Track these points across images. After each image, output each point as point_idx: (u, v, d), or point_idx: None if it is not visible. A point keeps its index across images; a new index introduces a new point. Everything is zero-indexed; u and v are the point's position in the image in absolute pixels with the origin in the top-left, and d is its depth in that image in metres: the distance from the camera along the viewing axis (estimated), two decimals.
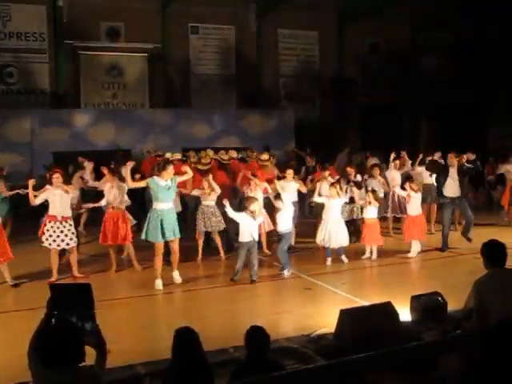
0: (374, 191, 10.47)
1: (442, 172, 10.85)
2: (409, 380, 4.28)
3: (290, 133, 19.14)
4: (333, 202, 9.69)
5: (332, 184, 9.98)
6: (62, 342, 3.23)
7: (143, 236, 8.49)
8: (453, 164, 10.58)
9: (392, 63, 21.32)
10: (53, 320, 3.46)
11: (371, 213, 10.14)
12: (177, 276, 8.69)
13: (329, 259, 9.68)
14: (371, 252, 10.08)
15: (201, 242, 10.26)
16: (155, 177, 8.53)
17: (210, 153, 11.90)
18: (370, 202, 10.08)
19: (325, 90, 21.53)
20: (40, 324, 3.52)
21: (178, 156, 12.73)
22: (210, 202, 10.10)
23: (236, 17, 20.32)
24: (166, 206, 8.40)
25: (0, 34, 18.00)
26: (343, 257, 9.75)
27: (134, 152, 16.77)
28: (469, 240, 10.35)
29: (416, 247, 10.17)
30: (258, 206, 8.81)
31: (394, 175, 12.13)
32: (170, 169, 8.48)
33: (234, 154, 12.24)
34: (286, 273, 9.02)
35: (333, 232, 9.63)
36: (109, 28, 18.96)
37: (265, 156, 11.68)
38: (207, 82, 20.35)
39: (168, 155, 12.70)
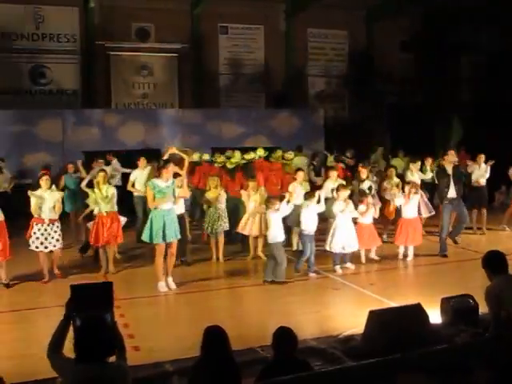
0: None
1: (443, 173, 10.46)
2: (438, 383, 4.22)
3: (318, 132, 19.04)
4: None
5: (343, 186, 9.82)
6: (93, 338, 3.30)
7: (144, 238, 8.40)
8: (450, 164, 10.29)
9: (422, 62, 21.06)
10: (72, 321, 3.49)
11: (409, 212, 9.99)
12: (171, 282, 8.48)
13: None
14: (406, 252, 9.97)
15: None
16: (154, 179, 8.49)
17: (238, 153, 11.92)
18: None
19: (354, 90, 21.38)
20: (59, 325, 3.56)
21: (207, 157, 12.78)
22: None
23: (265, 16, 20.30)
24: (167, 206, 8.31)
25: (33, 36, 18.29)
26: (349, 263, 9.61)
27: (162, 152, 16.89)
28: (455, 242, 10.28)
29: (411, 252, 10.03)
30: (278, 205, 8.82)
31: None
32: (170, 168, 8.40)
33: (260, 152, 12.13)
34: (310, 274, 9.04)
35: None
36: (139, 29, 19.12)
37: (289, 155, 11.75)
38: (236, 82, 20.38)
39: (196, 156, 12.75)
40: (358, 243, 9.46)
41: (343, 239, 9.25)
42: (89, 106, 18.19)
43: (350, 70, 21.56)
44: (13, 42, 18.05)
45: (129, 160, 13.53)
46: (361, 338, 5.71)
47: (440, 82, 20.68)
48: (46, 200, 8.82)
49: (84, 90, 18.69)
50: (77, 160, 12.15)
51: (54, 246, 8.92)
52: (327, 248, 9.39)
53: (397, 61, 21.57)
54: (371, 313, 5.59)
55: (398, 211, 10.42)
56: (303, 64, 21.01)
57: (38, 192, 8.84)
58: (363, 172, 11.05)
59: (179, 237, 8.51)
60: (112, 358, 3.44)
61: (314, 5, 19.17)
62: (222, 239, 10.23)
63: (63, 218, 9.78)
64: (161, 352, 5.87)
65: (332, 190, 9.91)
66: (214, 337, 3.98)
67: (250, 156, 11.79)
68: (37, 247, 8.81)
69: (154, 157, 12.83)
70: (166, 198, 8.22)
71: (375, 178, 11.90)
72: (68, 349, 3.49)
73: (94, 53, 18.53)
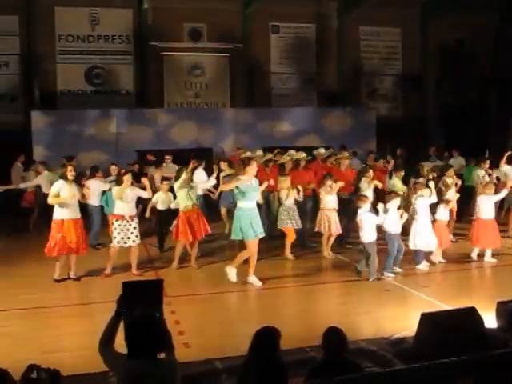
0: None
1: None
2: None
3: (370, 132, 18.82)
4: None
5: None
6: (143, 335, 3.34)
7: (234, 236, 8.52)
8: None
9: (478, 60, 20.54)
10: (122, 317, 3.54)
11: (486, 213, 9.77)
12: (254, 279, 8.61)
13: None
14: (480, 254, 9.75)
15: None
16: (241, 176, 8.57)
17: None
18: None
19: (407, 88, 21.03)
20: (110, 321, 3.62)
21: (260, 152, 12.75)
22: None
23: (317, 15, 20.19)
24: (252, 204, 8.44)
25: (89, 38, 18.75)
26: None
27: (215, 151, 17.05)
28: None
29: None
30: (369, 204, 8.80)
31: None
32: (254, 165, 8.53)
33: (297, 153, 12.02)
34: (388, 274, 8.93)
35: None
36: (191, 29, 19.31)
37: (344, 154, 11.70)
38: (288, 81, 20.35)
39: (249, 154, 12.76)
40: (436, 243, 9.37)
41: (425, 237, 9.24)
42: (142, 105, 18.52)
43: (405, 69, 21.22)
44: (69, 44, 18.55)
45: (181, 159, 13.70)
46: (412, 340, 5.60)
47: (496, 79, 20.15)
48: (128, 196, 9.04)
49: (137, 90, 19.03)
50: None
51: (133, 241, 9.07)
52: (411, 246, 9.32)
53: (452, 58, 21.09)
54: (423, 315, 5.47)
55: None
56: (356, 62, 20.80)
57: (121, 188, 9.05)
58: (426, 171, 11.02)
59: (263, 234, 8.60)
60: (161, 355, 3.48)
61: (367, 2, 18.95)
62: (331, 238, 10.31)
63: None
64: (211, 349, 5.89)
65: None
66: (265, 338, 3.96)
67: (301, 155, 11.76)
68: (118, 242, 9.00)
69: (206, 156, 12.95)
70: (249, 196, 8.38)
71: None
72: (119, 345, 3.55)
73: (147, 53, 18.85)
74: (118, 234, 9.00)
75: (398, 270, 9.12)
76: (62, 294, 8.43)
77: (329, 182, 10.13)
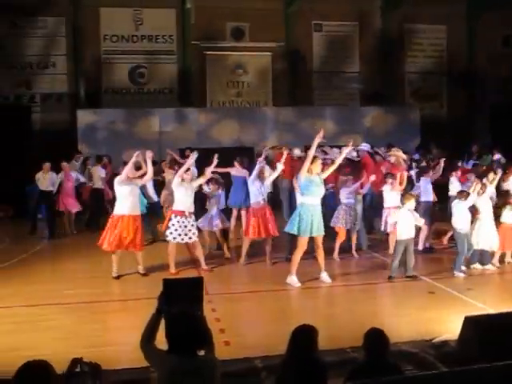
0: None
1: None
2: None
3: (415, 131, 18.54)
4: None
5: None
6: (184, 332, 3.37)
7: (294, 231, 8.44)
8: None
9: None
10: (163, 314, 3.57)
11: (508, 217, 9.56)
12: (326, 276, 8.57)
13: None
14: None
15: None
16: (306, 173, 8.48)
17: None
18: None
19: (453, 88, 20.64)
20: (151, 318, 3.65)
21: (298, 151, 12.70)
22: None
23: (360, 13, 20.00)
24: (315, 201, 8.39)
25: (133, 37, 19.02)
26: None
27: (257, 149, 17.04)
28: None
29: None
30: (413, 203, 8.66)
31: None
32: (318, 162, 8.51)
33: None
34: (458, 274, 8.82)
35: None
36: (234, 28, 19.40)
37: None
38: (330, 80, 20.23)
39: (297, 152, 12.69)
40: (498, 244, 9.23)
41: (488, 237, 9.11)
42: (185, 104, 18.69)
43: (450, 67, 20.83)
44: (114, 44, 18.86)
45: (224, 158, 13.73)
46: (455, 343, 5.49)
47: None
48: (181, 193, 9.11)
49: (180, 89, 19.23)
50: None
51: (190, 238, 9.05)
52: (474, 246, 9.18)
53: (499, 56, 20.61)
54: (467, 319, 5.37)
55: None
56: (400, 61, 20.52)
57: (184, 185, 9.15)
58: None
59: (323, 233, 8.55)
60: (201, 352, 3.50)
61: (411, 0, 18.69)
62: (354, 237, 10.25)
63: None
64: (251, 348, 5.89)
65: None
66: (302, 337, 3.94)
67: None
68: (174, 238, 8.98)
69: (248, 154, 12.97)
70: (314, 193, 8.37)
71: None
72: (159, 341, 3.58)
73: (190, 53, 19.04)
74: (176, 230, 8.97)
75: (491, 267, 9.16)
76: (107, 290, 8.56)
77: (390, 181, 10.08)
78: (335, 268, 9.56)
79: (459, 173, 11.60)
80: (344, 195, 10.12)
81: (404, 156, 11.67)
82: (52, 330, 6.60)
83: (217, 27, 18.98)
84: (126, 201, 8.81)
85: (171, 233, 8.97)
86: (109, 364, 3.73)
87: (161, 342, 3.52)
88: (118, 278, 8.95)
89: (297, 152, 12.76)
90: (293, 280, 8.38)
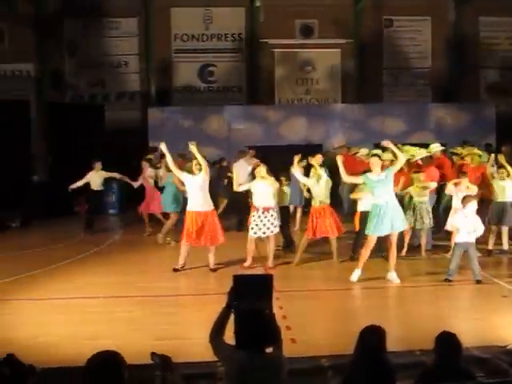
0: None
1: None
2: None
3: (489, 128, 17.88)
4: None
5: None
6: (252, 328, 3.41)
7: (366, 231, 8.43)
8: None
9: None
10: (232, 310, 3.60)
11: None
12: (392, 277, 8.45)
13: None
14: None
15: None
16: (368, 173, 8.48)
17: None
18: None
19: None
20: (221, 313, 3.69)
21: (366, 150, 12.48)
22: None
23: (432, 7, 19.48)
24: (383, 200, 8.26)
25: (203, 36, 19.29)
26: None
27: (324, 147, 16.95)
28: None
29: None
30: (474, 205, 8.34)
31: None
32: (376, 160, 8.45)
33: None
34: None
35: None
36: (303, 25, 19.34)
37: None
38: (401, 76, 19.85)
39: (364, 151, 12.49)
40: None
41: None
42: (253, 102, 18.80)
43: None
44: (184, 43, 19.19)
45: (292, 155, 13.74)
46: None
47: None
48: (258, 188, 9.32)
49: (249, 86, 19.35)
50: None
51: (264, 233, 9.24)
52: None
53: None
54: None
55: None
56: (474, 55, 19.88)
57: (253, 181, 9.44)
58: None
59: (399, 229, 8.46)
60: (269, 349, 3.51)
61: None
62: (424, 237, 10.06)
63: None
64: (316, 346, 5.88)
65: None
66: (370, 337, 3.89)
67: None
68: (255, 233, 9.25)
69: (316, 152, 12.87)
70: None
71: None
72: (228, 336, 3.62)
73: (258, 50, 19.12)
74: (256, 225, 9.22)
75: None
76: (177, 284, 8.77)
77: (456, 181, 9.82)
78: (403, 267, 9.39)
79: None
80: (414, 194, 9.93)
81: (479, 152, 11.34)
82: (125, 322, 6.81)
83: (285, 25, 18.98)
84: (192, 197, 9.13)
85: (252, 228, 9.27)
86: (177, 357, 3.79)
87: (229, 337, 3.56)
88: (179, 270, 9.17)
89: (363, 151, 12.52)
90: (355, 275, 8.37)
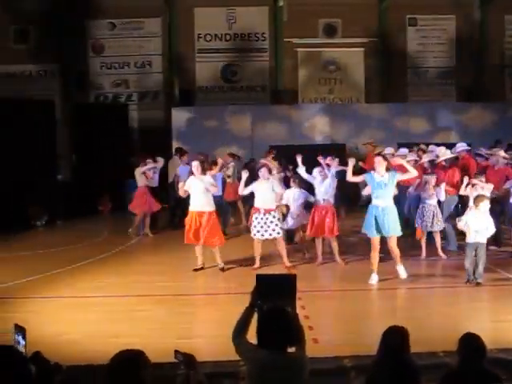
0: None
1: None
2: None
3: None
4: None
5: None
6: (276, 328, 3.41)
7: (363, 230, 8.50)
8: None
9: None
10: (256, 309, 3.60)
11: None
12: (402, 271, 8.43)
13: None
14: None
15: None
16: (372, 172, 8.44)
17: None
18: None
19: None
20: (244, 312, 3.69)
21: (391, 150, 12.37)
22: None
23: (457, 5, 19.26)
24: (381, 202, 8.23)
25: (226, 36, 19.34)
26: None
27: (348, 146, 16.87)
28: None
29: None
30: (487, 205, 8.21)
31: None
32: (380, 159, 8.35)
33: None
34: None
35: None
36: (326, 25, 19.28)
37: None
38: (425, 75, 19.67)
39: (389, 150, 12.37)
40: None
41: None
42: (276, 101, 18.80)
43: None
44: (207, 43, 19.26)
45: (315, 155, 13.70)
46: None
47: None
48: (260, 190, 9.31)
49: (272, 86, 19.33)
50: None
51: (270, 234, 9.19)
52: None
53: None
54: None
55: None
56: (499, 54, 19.62)
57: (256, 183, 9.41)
58: None
59: (396, 234, 8.36)
60: (291, 349, 3.51)
61: None
62: (438, 237, 9.96)
63: None
64: (339, 346, 5.87)
65: None
66: (393, 338, 3.86)
67: None
68: (254, 235, 9.26)
69: (339, 151, 12.85)
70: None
71: None
72: (250, 335, 3.62)
73: (282, 50, 19.10)
74: (255, 226, 9.22)
75: None
76: (198, 284, 8.84)
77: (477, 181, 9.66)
78: (422, 268, 9.32)
79: None
80: (425, 195, 9.86)
81: (504, 154, 11.14)
82: (147, 320, 6.86)
83: (309, 24, 18.93)
84: (193, 198, 9.22)
85: (252, 229, 9.29)
86: (199, 356, 3.80)
87: (252, 336, 3.56)
88: (199, 269, 9.22)
89: (388, 150, 12.40)
90: (372, 278, 8.33)
